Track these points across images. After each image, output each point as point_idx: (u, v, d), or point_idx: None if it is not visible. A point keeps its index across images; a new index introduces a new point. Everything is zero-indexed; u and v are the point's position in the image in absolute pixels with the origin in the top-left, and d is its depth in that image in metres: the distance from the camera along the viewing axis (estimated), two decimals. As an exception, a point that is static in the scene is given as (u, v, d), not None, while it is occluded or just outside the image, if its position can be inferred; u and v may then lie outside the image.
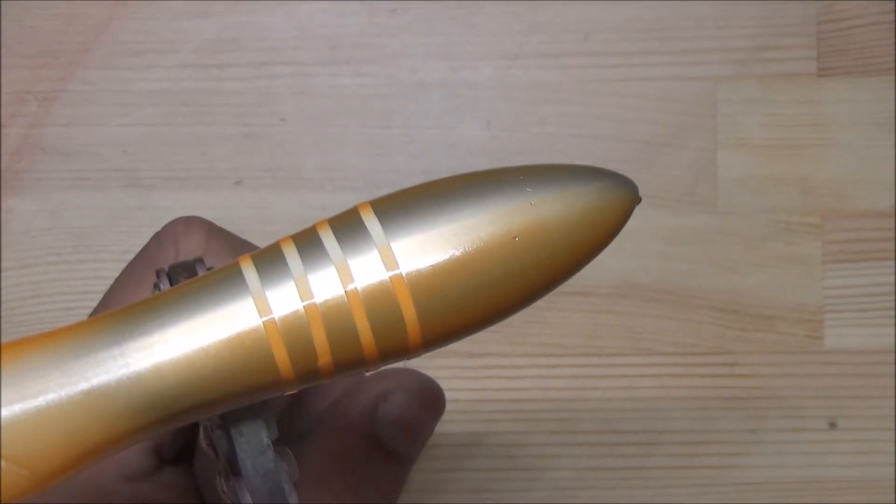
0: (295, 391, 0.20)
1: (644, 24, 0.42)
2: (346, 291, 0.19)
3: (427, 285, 0.19)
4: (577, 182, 0.20)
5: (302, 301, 0.19)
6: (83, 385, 0.18)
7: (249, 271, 0.19)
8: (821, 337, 0.42)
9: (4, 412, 0.17)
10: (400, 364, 0.21)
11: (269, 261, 0.19)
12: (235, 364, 0.18)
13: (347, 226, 0.19)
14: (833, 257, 0.42)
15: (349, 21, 0.42)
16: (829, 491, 0.42)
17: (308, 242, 0.19)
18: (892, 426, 0.42)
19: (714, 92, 0.42)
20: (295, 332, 0.19)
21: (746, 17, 0.42)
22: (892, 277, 0.42)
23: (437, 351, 0.44)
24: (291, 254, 0.19)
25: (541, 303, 0.42)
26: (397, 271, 0.19)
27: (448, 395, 0.42)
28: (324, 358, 0.19)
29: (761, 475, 0.42)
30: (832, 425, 0.42)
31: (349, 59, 0.42)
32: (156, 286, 0.24)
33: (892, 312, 0.42)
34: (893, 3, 0.42)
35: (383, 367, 0.20)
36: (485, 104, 0.42)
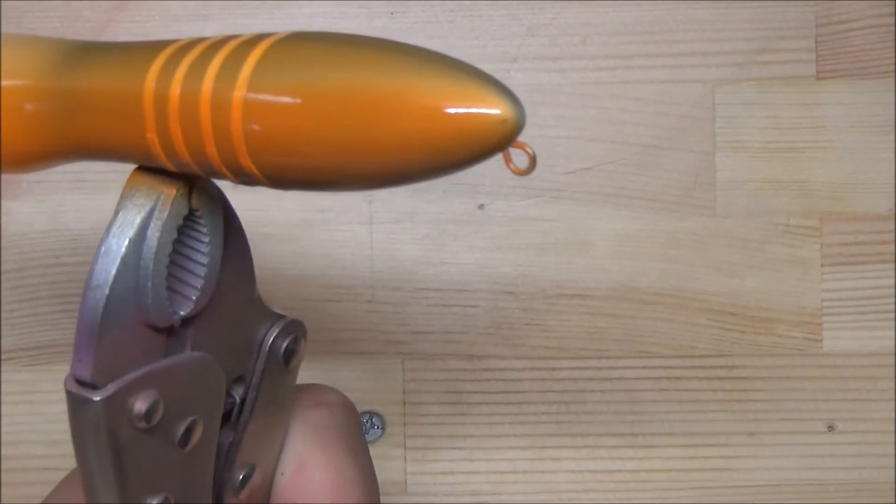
0: (168, 164, 0.21)
1: (642, 27, 0.42)
2: (204, 93, 0.20)
3: (262, 111, 0.20)
4: (459, 79, 0.19)
5: (175, 86, 0.21)
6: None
7: (166, 50, 0.21)
8: (819, 339, 0.42)
9: None
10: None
11: (180, 50, 0.21)
12: (119, 113, 0.21)
13: (244, 43, 0.21)
14: (832, 260, 0.42)
15: (348, 24, 0.42)
16: (827, 493, 0.42)
17: (211, 44, 0.21)
18: (891, 428, 0.42)
19: (712, 95, 0.42)
20: (160, 101, 0.21)
21: (745, 19, 0.42)
22: (891, 280, 0.42)
23: (436, 353, 0.44)
24: (195, 50, 0.21)
25: (540, 305, 0.42)
26: (242, 99, 0.20)
27: (447, 398, 0.42)
28: (178, 143, 0.21)
29: (760, 478, 0.42)
30: (831, 428, 0.42)
31: (348, 62, 0.42)
32: None
33: (891, 315, 0.42)
34: (893, 4, 0.42)
35: (232, 181, 0.21)
36: (484, 107, 0.42)
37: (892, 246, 0.42)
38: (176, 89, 0.21)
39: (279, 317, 0.25)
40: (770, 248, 0.42)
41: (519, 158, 0.19)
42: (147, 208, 0.21)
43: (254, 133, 0.20)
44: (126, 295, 0.21)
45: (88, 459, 0.21)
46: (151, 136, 0.21)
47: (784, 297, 0.42)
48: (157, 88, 0.21)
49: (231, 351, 0.24)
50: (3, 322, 0.42)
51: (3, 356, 0.42)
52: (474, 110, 0.18)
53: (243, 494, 0.25)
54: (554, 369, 0.42)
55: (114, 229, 0.21)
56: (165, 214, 0.21)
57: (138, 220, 0.21)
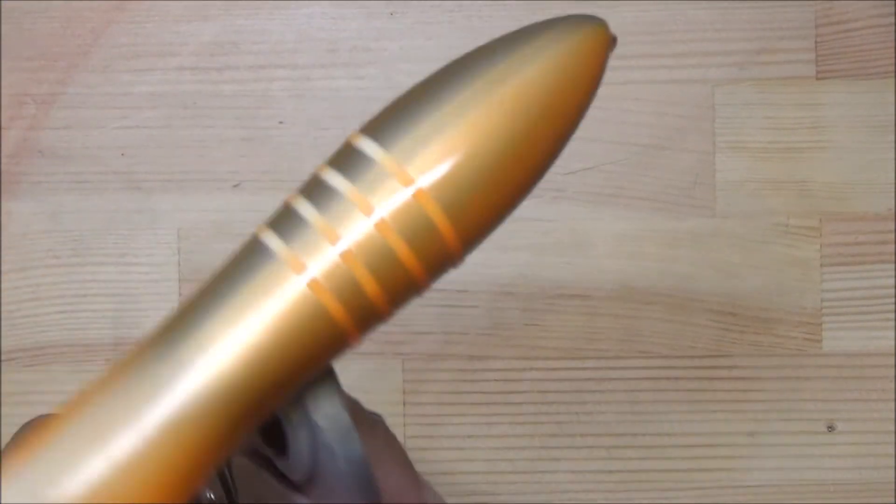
0: (360, 342, 0.19)
1: (642, 27, 0.42)
2: (370, 220, 0.19)
3: (440, 180, 0.19)
4: (544, 33, 0.20)
5: (332, 245, 0.18)
6: (152, 419, 0.17)
7: (270, 238, 0.19)
8: (819, 339, 0.42)
9: (90, 474, 0.17)
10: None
11: (285, 220, 0.19)
12: (292, 331, 0.18)
13: (346, 157, 0.19)
14: (831, 260, 0.42)
15: (347, 24, 0.42)
16: (827, 493, 0.42)
17: (316, 189, 0.19)
18: (891, 428, 0.42)
19: (712, 95, 0.42)
20: (337, 277, 0.18)
21: (744, 20, 0.42)
22: (891, 280, 0.42)
23: (436, 353, 0.44)
24: (304, 206, 0.19)
25: (539, 305, 0.42)
26: (413, 183, 0.19)
27: (448, 399, 0.42)
28: (374, 293, 0.19)
29: (760, 478, 0.42)
30: (830, 428, 0.42)
31: (347, 62, 0.42)
32: None
33: (891, 315, 0.42)
34: (893, 4, 0.42)
35: (433, 284, 0.20)
36: (483, 107, 0.42)
37: (892, 246, 0.42)
38: (361, 270, 0.18)
39: None
40: (770, 248, 0.42)
41: None
42: (336, 390, 0.21)
43: (461, 215, 0.19)
44: None
45: None
46: (354, 333, 0.19)
47: (784, 298, 0.42)
48: (339, 292, 0.18)
49: None
50: (2, 323, 0.42)
51: (3, 356, 0.42)
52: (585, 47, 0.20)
53: None
54: (554, 369, 0.42)
55: (326, 424, 0.20)
56: (338, 378, 0.21)
57: (338, 402, 0.21)
